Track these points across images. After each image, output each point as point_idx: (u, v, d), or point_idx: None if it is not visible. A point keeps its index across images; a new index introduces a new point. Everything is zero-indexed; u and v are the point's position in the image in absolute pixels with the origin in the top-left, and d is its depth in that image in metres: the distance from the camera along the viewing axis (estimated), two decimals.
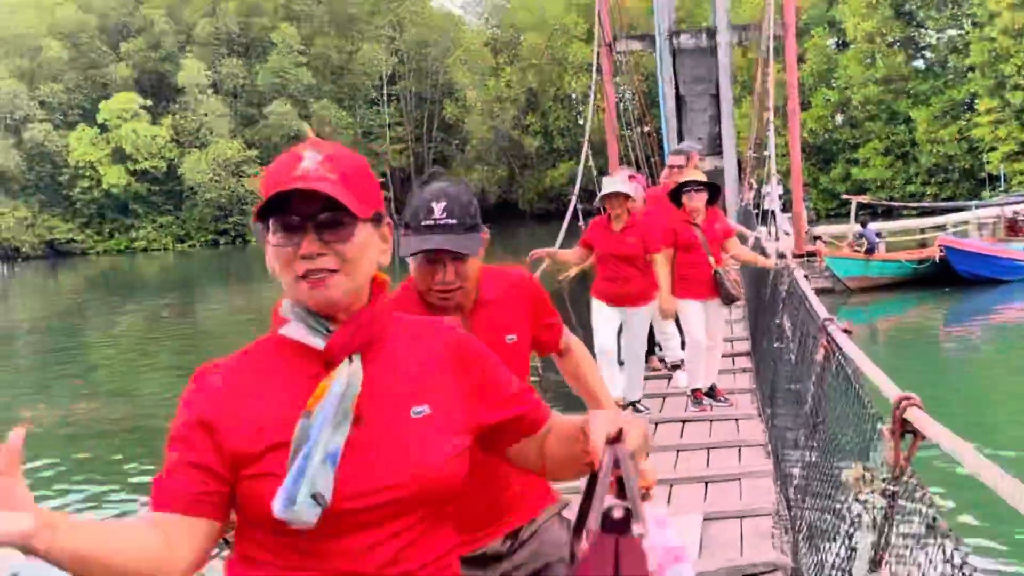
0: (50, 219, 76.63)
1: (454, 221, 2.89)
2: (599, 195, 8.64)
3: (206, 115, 74.64)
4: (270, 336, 2.00)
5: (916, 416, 2.49)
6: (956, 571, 2.20)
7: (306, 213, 1.86)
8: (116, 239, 77.10)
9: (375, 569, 1.86)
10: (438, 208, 2.89)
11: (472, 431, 2.02)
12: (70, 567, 1.58)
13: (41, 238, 76.44)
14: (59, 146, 75.01)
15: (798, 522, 5.39)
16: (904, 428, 2.54)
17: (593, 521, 1.55)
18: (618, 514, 1.55)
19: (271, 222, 1.88)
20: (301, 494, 1.79)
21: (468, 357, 2.08)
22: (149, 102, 75.69)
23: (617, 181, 8.73)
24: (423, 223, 2.90)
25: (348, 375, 1.90)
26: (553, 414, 2.15)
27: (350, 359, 1.92)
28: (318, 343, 1.92)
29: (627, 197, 8.31)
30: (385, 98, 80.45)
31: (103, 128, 74.84)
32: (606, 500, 1.61)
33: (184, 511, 1.82)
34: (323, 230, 1.87)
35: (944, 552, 2.29)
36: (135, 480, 12.42)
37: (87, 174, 74.88)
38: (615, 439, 1.75)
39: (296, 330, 1.94)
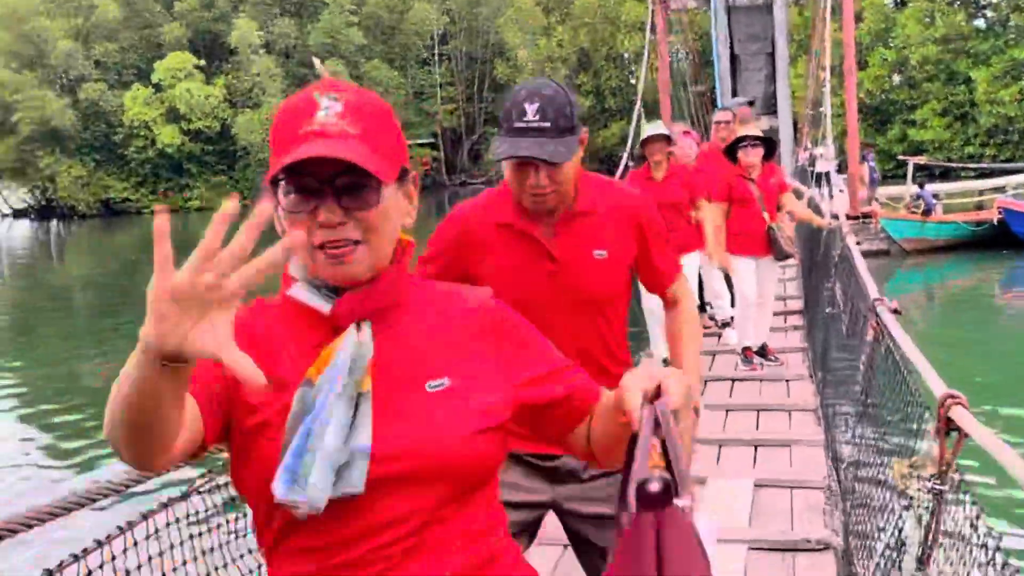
0: (105, 178, 77.37)
1: (547, 124, 2.77)
2: (640, 139, 8.52)
3: (258, 75, 74.88)
4: (279, 295, 1.82)
5: (960, 415, 2.45)
6: (997, 569, 2.16)
7: (324, 175, 1.64)
8: (170, 198, 77.76)
9: (372, 537, 1.66)
10: (531, 110, 2.76)
11: (508, 407, 1.81)
12: (150, 392, 1.36)
13: (96, 197, 77.23)
14: (114, 105, 75.60)
15: (849, 500, 5.34)
16: (949, 426, 2.49)
17: (630, 495, 1.33)
18: (654, 487, 1.29)
19: (282, 183, 1.67)
20: (326, 486, 1.59)
21: (502, 327, 1.87)
22: (203, 62, 76.05)
23: (658, 125, 8.63)
24: (515, 125, 2.78)
25: (356, 345, 1.69)
26: (603, 392, 1.90)
27: (358, 326, 1.72)
28: (323, 307, 1.73)
29: (668, 141, 8.21)
30: (436, 58, 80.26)
31: (157, 88, 75.31)
32: (645, 470, 1.38)
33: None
34: (344, 196, 1.66)
35: (987, 550, 2.25)
36: None
37: (141, 133, 75.44)
38: (655, 396, 1.54)
39: (302, 292, 1.75)
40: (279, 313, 1.79)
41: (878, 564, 3.44)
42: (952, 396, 2.51)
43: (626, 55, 72.95)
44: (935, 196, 27.06)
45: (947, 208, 27.66)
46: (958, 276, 23.91)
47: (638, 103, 23.58)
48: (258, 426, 1.67)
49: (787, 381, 8.79)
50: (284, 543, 1.71)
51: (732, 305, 9.67)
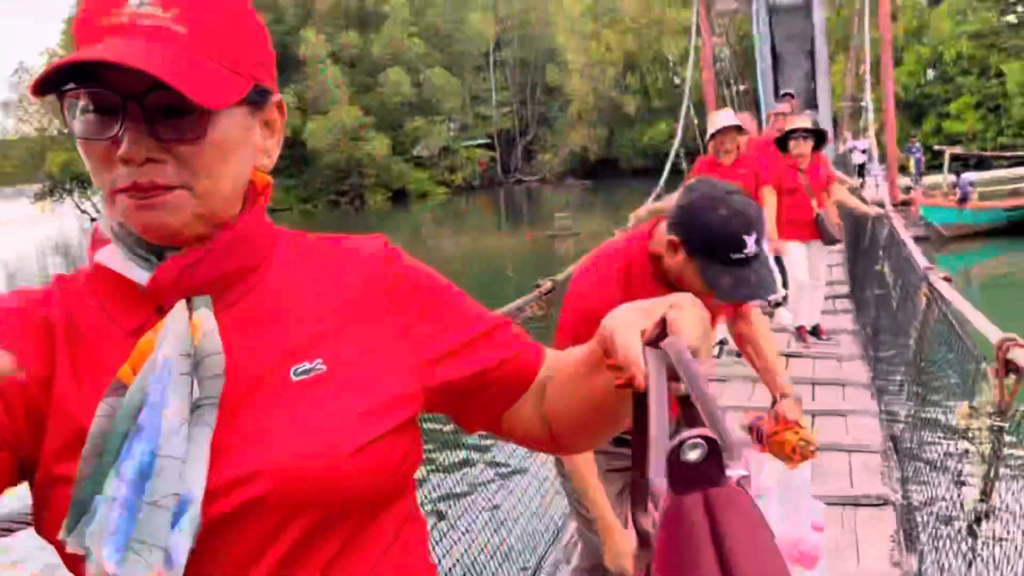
0: None
1: (759, 249, 2.59)
2: (710, 132, 8.37)
3: (326, 84, 75.51)
4: (85, 267, 1.21)
5: (1019, 355, 2.52)
6: None
7: (130, 90, 1.05)
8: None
9: None
10: (750, 241, 2.54)
11: (416, 395, 1.22)
12: None
13: None
14: None
15: (905, 462, 5.38)
16: (1008, 367, 2.57)
17: (657, 474, 0.83)
18: (694, 455, 0.80)
19: (82, 94, 1.08)
20: (138, 545, 1.02)
21: (403, 283, 1.27)
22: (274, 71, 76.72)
23: (727, 116, 8.56)
24: (733, 257, 2.56)
25: (185, 336, 1.10)
26: (548, 353, 1.37)
27: (190, 304, 1.13)
28: (140, 276, 1.13)
29: (739, 130, 8.17)
30: (491, 64, 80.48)
31: None
32: (665, 430, 0.90)
33: None
34: (158, 121, 1.06)
35: None
36: None
37: None
38: (659, 336, 1.04)
39: (113, 256, 1.15)
40: (86, 289, 1.19)
41: (938, 511, 3.52)
42: (1010, 339, 2.59)
43: (671, 57, 72.64)
44: (971, 184, 26.80)
45: (982, 196, 27.37)
46: (997, 259, 23.66)
47: (685, 101, 23.55)
48: (56, 482, 1.09)
49: (839, 359, 8.79)
50: None
51: (784, 285, 9.68)
